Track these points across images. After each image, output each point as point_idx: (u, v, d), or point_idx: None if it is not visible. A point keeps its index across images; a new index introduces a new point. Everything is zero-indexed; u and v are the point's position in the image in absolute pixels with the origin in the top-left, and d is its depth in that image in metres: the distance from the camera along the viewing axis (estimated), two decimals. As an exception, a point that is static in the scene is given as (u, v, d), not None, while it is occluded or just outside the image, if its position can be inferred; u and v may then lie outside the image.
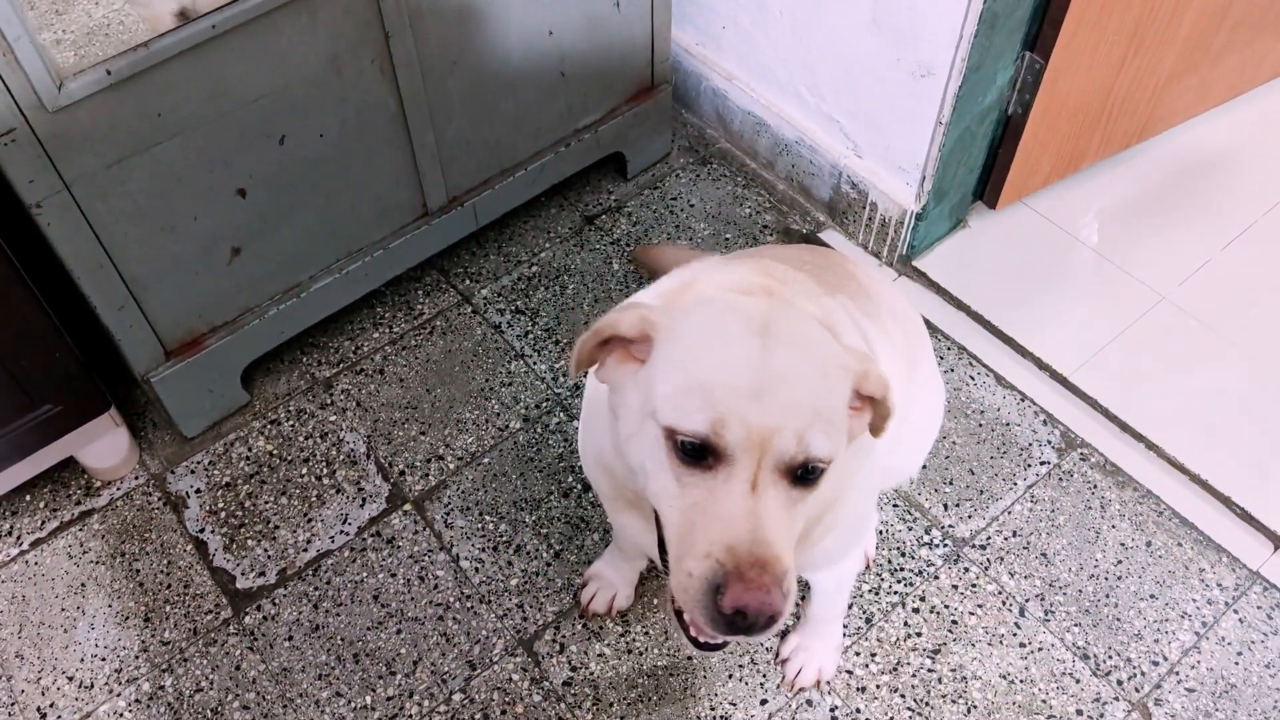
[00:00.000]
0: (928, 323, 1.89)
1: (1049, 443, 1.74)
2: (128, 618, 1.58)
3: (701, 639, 0.96)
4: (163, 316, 1.61)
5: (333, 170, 1.63)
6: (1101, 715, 1.46)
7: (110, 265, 1.49)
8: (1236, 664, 1.51)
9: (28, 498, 1.71)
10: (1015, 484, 1.69)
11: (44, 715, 1.49)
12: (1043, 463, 1.72)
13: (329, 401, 1.82)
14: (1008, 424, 1.77)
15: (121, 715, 1.49)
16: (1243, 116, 2.22)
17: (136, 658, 1.54)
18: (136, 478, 1.73)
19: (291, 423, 1.80)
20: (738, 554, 0.83)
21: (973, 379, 1.83)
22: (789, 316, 0.92)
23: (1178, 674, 1.50)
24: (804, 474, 0.87)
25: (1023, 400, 1.80)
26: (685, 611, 0.89)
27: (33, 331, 1.47)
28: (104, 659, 1.54)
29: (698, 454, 0.86)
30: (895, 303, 1.39)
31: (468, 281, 1.99)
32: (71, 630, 1.57)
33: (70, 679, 1.52)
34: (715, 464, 0.87)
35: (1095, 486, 1.69)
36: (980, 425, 1.77)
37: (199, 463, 1.75)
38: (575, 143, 1.96)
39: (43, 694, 1.51)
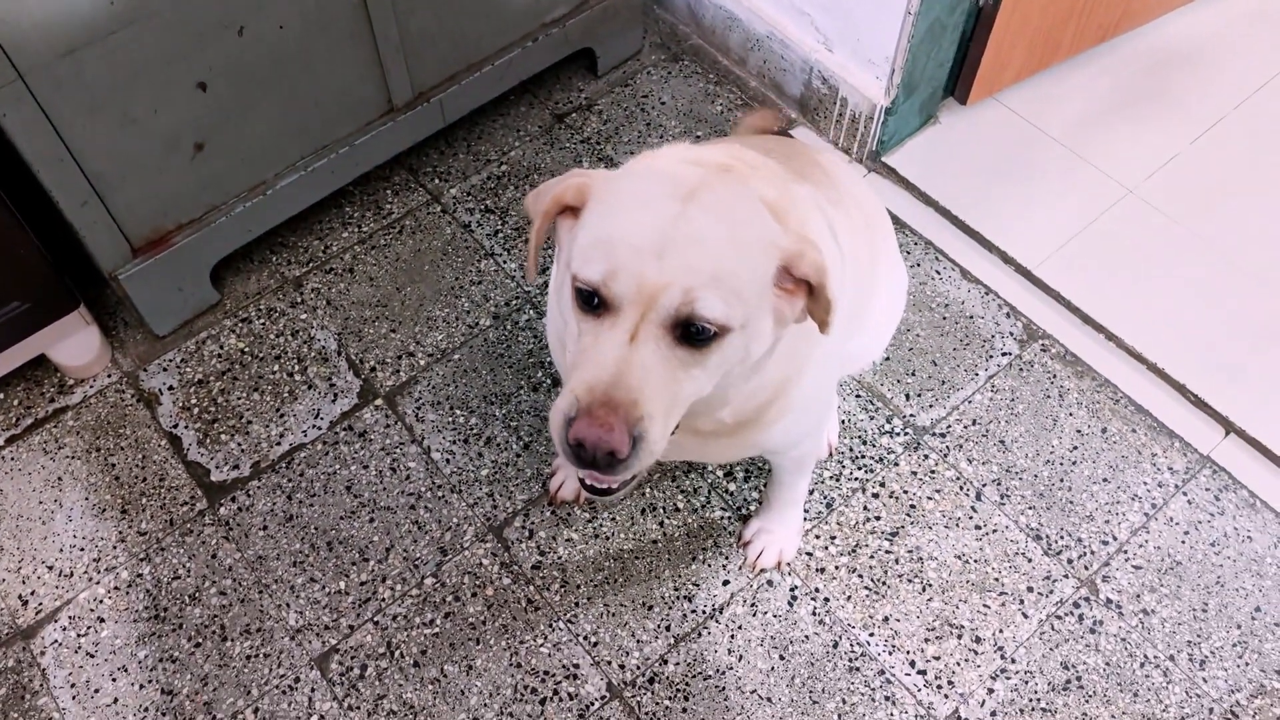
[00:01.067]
0: (895, 218, 1.90)
1: (1011, 334, 1.77)
2: (105, 510, 1.61)
3: (587, 480, 1.01)
4: (128, 213, 1.60)
5: (294, 63, 1.62)
6: (1051, 591, 1.52)
7: (71, 159, 1.48)
8: (1183, 543, 1.56)
9: (2, 396, 1.72)
10: (977, 374, 1.72)
11: (25, 602, 1.53)
12: (1004, 354, 1.75)
13: (299, 300, 1.83)
14: (971, 317, 1.79)
15: (101, 601, 1.53)
16: (1217, 11, 2.20)
17: (114, 547, 1.58)
18: (109, 375, 1.75)
19: (262, 321, 1.81)
20: (594, 393, 0.88)
21: (938, 273, 1.84)
22: (721, 188, 0.93)
23: (1126, 553, 1.55)
24: (693, 335, 0.89)
25: (987, 293, 1.82)
26: (557, 448, 0.94)
27: (-4, 227, 1.47)
28: (82, 549, 1.57)
29: (592, 303, 0.91)
30: (859, 191, 1.40)
31: (437, 180, 1.99)
32: (50, 522, 1.60)
33: (50, 568, 1.56)
34: (604, 313, 0.91)
35: (1055, 376, 1.72)
36: (944, 318, 1.79)
37: (171, 360, 1.76)
38: (543, 37, 1.94)
39: (23, 582, 1.55)
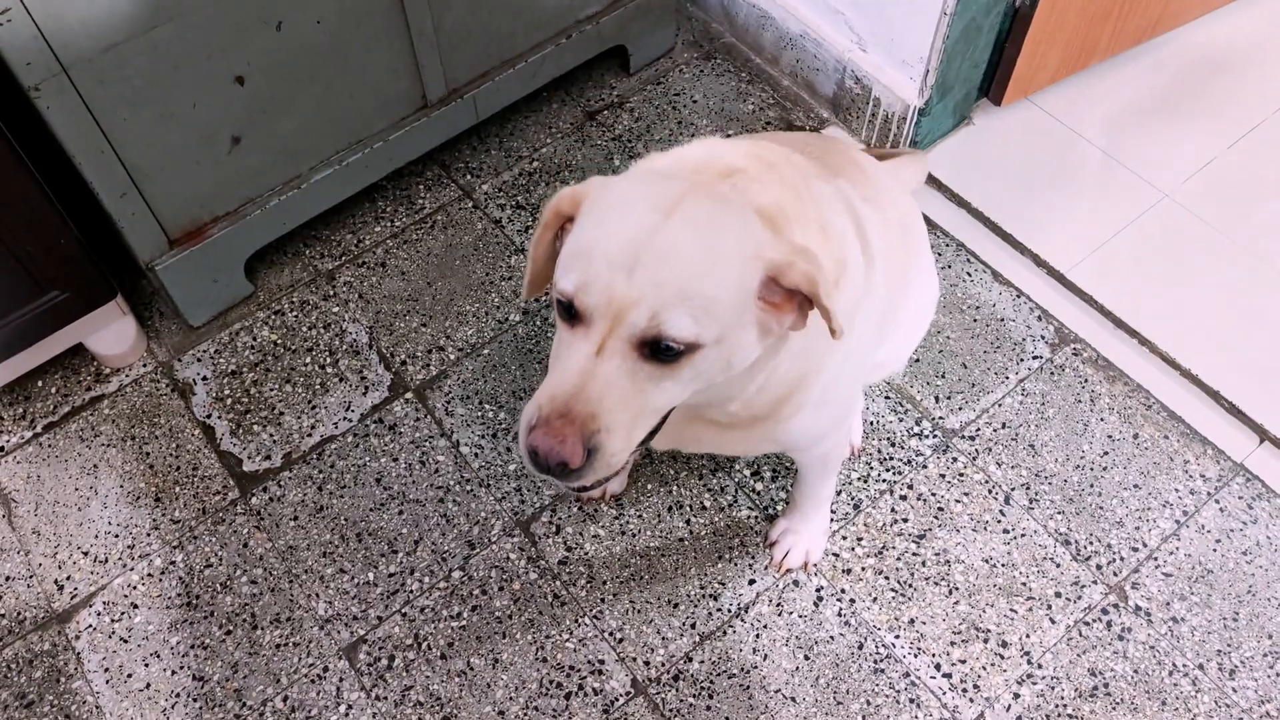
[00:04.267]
0: (928, 219, 1.89)
1: (1042, 338, 1.76)
2: (139, 497, 1.63)
3: (571, 487, 1.05)
4: (165, 205, 1.62)
5: (330, 58, 1.63)
6: (1079, 597, 1.51)
7: (111, 151, 1.50)
8: (1214, 551, 1.55)
9: (40, 383, 1.75)
10: (1007, 378, 1.72)
11: (61, 587, 1.56)
12: (1035, 357, 1.74)
13: (332, 293, 1.85)
14: (1002, 319, 1.78)
15: (135, 587, 1.55)
16: (1256, 13, 2.18)
17: (148, 535, 1.60)
18: (145, 365, 1.77)
19: (295, 313, 1.83)
20: (555, 403, 0.90)
21: (969, 275, 1.84)
22: (707, 199, 0.92)
23: (1156, 560, 1.54)
24: (661, 351, 0.90)
25: (1019, 296, 1.81)
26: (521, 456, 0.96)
27: (37, 218, 1.49)
28: (117, 535, 1.60)
29: (570, 313, 0.92)
30: (896, 194, 1.39)
31: (469, 176, 2.00)
32: (85, 509, 1.62)
33: (85, 554, 1.58)
34: (577, 324, 0.92)
35: (1086, 381, 1.71)
36: (975, 320, 1.78)
37: (205, 351, 1.78)
38: (577, 34, 1.94)
39: (59, 568, 1.57)
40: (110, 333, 1.72)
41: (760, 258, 0.92)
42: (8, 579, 1.56)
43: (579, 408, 0.89)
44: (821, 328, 0.99)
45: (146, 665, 1.49)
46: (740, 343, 0.94)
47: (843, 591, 1.52)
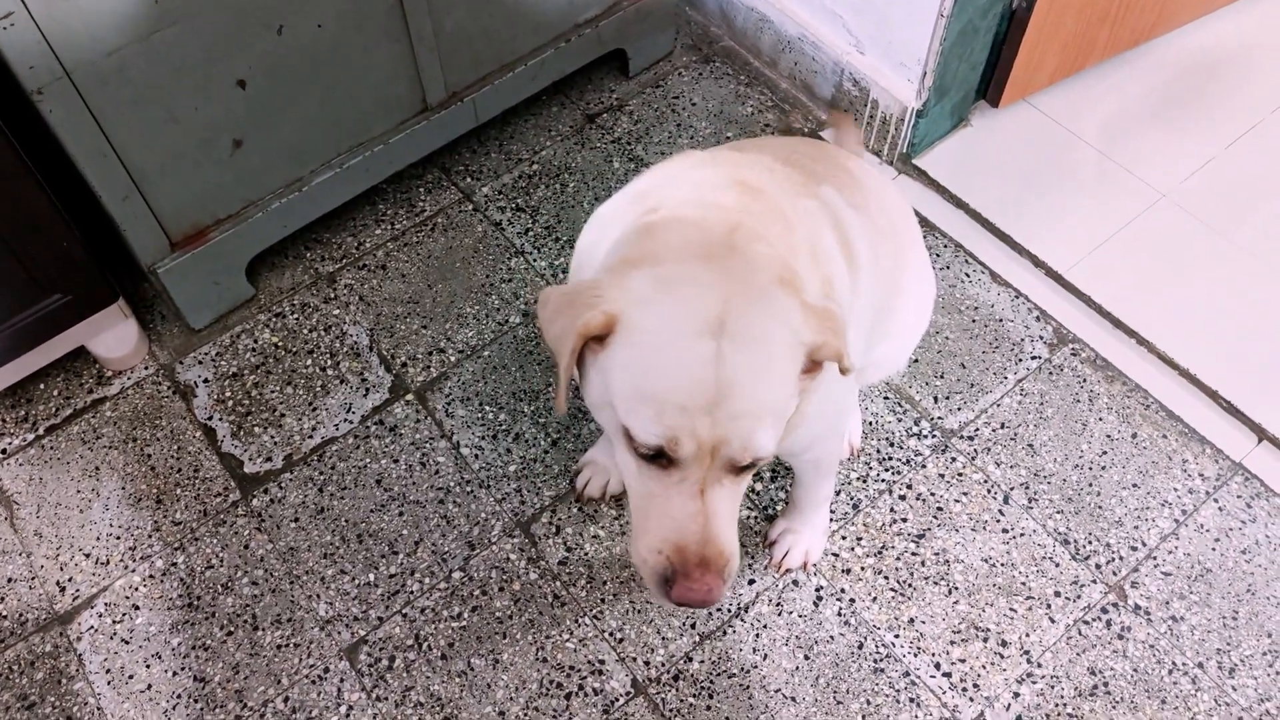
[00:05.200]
0: (926, 221, 1.90)
1: (1041, 338, 1.76)
2: (140, 499, 1.64)
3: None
4: (167, 207, 1.63)
5: (331, 62, 1.64)
6: (1078, 597, 1.51)
7: (113, 154, 1.51)
8: (1213, 550, 1.55)
9: (42, 386, 1.76)
10: (1005, 378, 1.72)
11: (63, 588, 1.56)
12: (1034, 357, 1.74)
13: (332, 295, 1.85)
14: (1001, 320, 1.79)
15: (136, 589, 1.56)
16: (1254, 15, 2.18)
17: (150, 536, 1.60)
18: (146, 368, 1.78)
19: (296, 316, 1.83)
20: (685, 554, 0.94)
21: (968, 276, 1.84)
22: (747, 308, 0.93)
23: (1155, 559, 1.54)
24: (748, 465, 0.95)
25: (1017, 297, 1.81)
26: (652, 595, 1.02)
27: (40, 222, 1.50)
28: (118, 537, 1.60)
29: (652, 455, 0.94)
30: (886, 196, 1.40)
31: (469, 179, 2.01)
32: (87, 510, 1.63)
33: (87, 555, 1.59)
34: (669, 466, 0.94)
35: (1085, 381, 1.71)
36: (974, 321, 1.79)
37: (206, 354, 1.79)
38: (576, 38, 1.95)
39: (61, 569, 1.58)
40: (112, 335, 1.73)
41: (801, 343, 0.95)
42: (10, 581, 1.57)
43: (710, 552, 0.94)
44: None
45: (148, 666, 1.49)
46: (787, 416, 0.99)
47: (842, 591, 1.53)
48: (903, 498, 1.61)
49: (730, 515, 0.97)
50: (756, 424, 0.91)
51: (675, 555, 0.94)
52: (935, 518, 1.59)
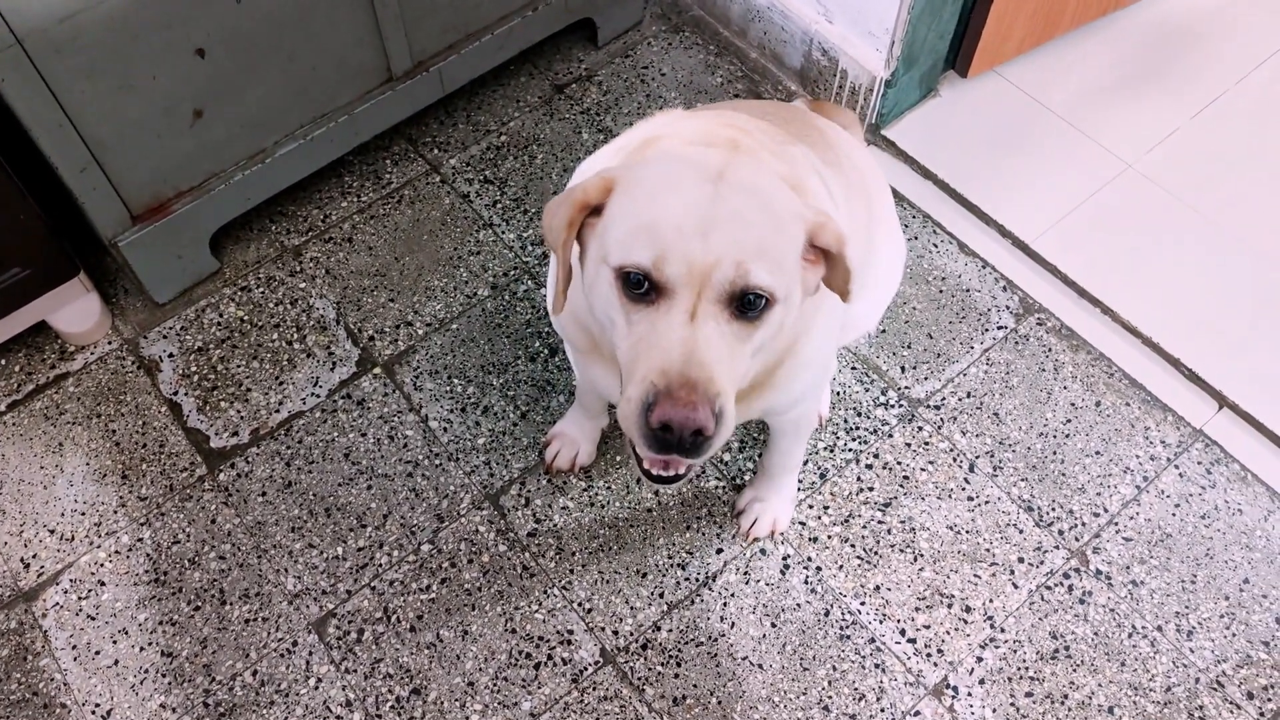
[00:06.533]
0: (895, 192, 1.90)
1: (1007, 308, 1.77)
2: (105, 475, 1.62)
3: (653, 471, 1.02)
4: (127, 180, 1.61)
5: (292, 30, 1.61)
6: (1041, 562, 1.53)
7: (69, 125, 1.48)
8: (1174, 515, 1.57)
9: (3, 362, 1.74)
10: (972, 348, 1.73)
11: (27, 565, 1.55)
12: (1000, 327, 1.75)
13: (298, 269, 1.84)
14: (968, 290, 1.79)
15: (102, 565, 1.55)
16: (1222, -16, 2.19)
17: (115, 512, 1.59)
18: (110, 343, 1.76)
19: (262, 289, 1.82)
20: (669, 375, 0.88)
21: (936, 246, 1.85)
22: (746, 166, 0.95)
23: (1117, 525, 1.56)
24: (746, 306, 0.91)
25: (984, 267, 1.82)
26: (628, 435, 0.94)
27: (-5, 193, 1.48)
28: (83, 513, 1.59)
29: (642, 289, 0.91)
30: (857, 156, 1.40)
31: (436, 151, 1.99)
32: (51, 487, 1.61)
33: (51, 532, 1.58)
34: (658, 298, 0.91)
35: (1050, 350, 1.73)
36: (941, 291, 1.79)
37: (171, 328, 1.77)
38: (543, 7, 1.93)
39: (25, 546, 1.56)
40: (74, 310, 1.71)
41: (802, 218, 0.95)
42: (-27, 558, 1.56)
43: (696, 373, 0.88)
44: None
45: (114, 642, 1.49)
46: (793, 301, 0.96)
47: (809, 559, 1.54)
48: (869, 467, 1.62)
49: (723, 350, 0.90)
50: (753, 255, 0.89)
51: (660, 378, 0.88)
52: (901, 486, 1.60)
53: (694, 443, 0.89)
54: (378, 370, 1.72)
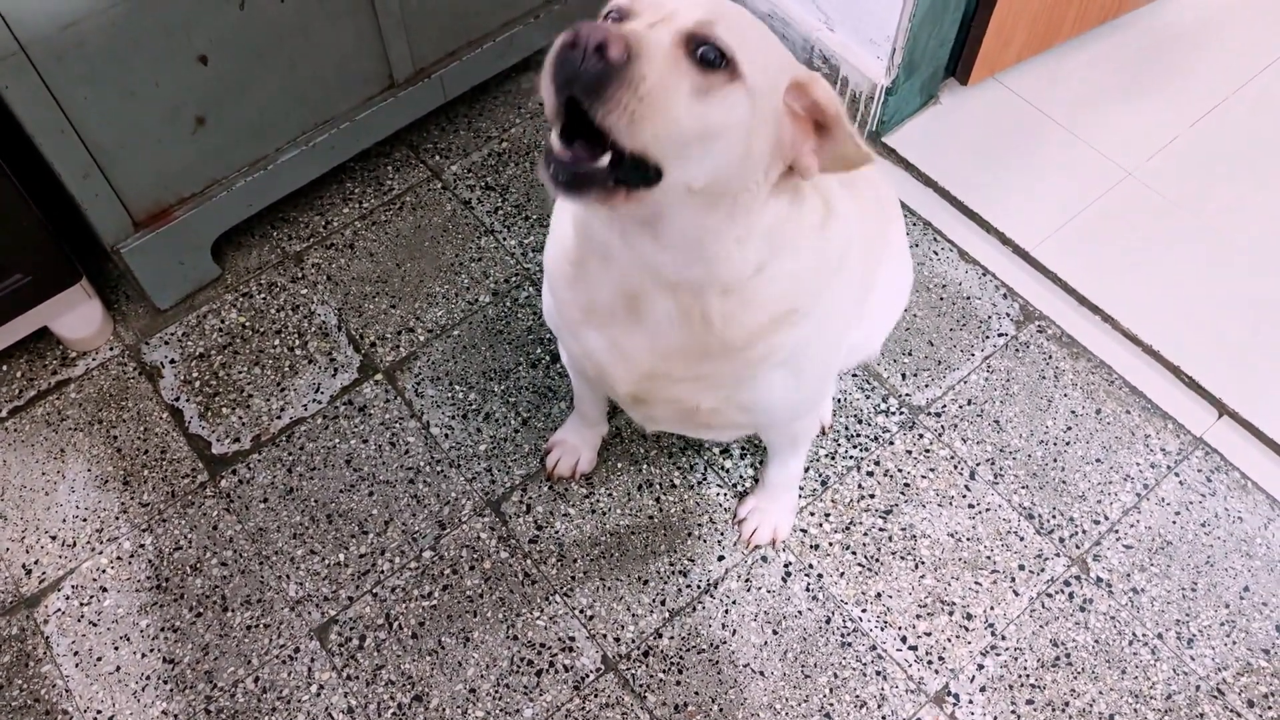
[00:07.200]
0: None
1: (1008, 315, 1.78)
2: (107, 481, 1.62)
3: (555, 152, 0.87)
4: (129, 186, 1.61)
5: (295, 37, 1.62)
6: (1042, 570, 1.53)
7: (72, 131, 1.48)
8: (1174, 523, 1.57)
9: (5, 368, 1.74)
10: (973, 355, 1.73)
11: (29, 571, 1.55)
12: (1000, 334, 1.76)
13: (300, 275, 1.84)
14: (968, 297, 1.80)
15: (104, 571, 1.55)
16: (1222, -8, 2.20)
17: (117, 518, 1.59)
18: (111, 349, 1.76)
19: (263, 295, 1.82)
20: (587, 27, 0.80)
21: (936, 254, 1.85)
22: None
23: (1117, 532, 1.57)
24: (706, 58, 0.83)
25: (984, 274, 1.82)
26: (542, 96, 0.85)
27: (-2, 200, 1.48)
28: (85, 519, 1.59)
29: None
30: (872, 174, 1.39)
31: (437, 157, 1.99)
32: (53, 493, 1.62)
33: (53, 538, 1.58)
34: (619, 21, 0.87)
35: (1050, 357, 1.73)
36: (941, 299, 1.80)
37: (172, 334, 1.77)
38: (546, 14, 1.93)
39: (27, 552, 1.56)
40: (75, 316, 1.71)
41: (786, 71, 0.90)
42: (-26, 564, 1.56)
43: (626, 33, 0.81)
44: (820, 252, 1.01)
45: (116, 648, 1.49)
46: (762, 132, 0.88)
47: (810, 567, 1.54)
48: (870, 474, 1.62)
49: (665, 66, 0.81)
50: (721, 17, 0.84)
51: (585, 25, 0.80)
52: (902, 493, 1.60)
53: (597, 72, 0.78)
54: (379, 376, 1.72)
